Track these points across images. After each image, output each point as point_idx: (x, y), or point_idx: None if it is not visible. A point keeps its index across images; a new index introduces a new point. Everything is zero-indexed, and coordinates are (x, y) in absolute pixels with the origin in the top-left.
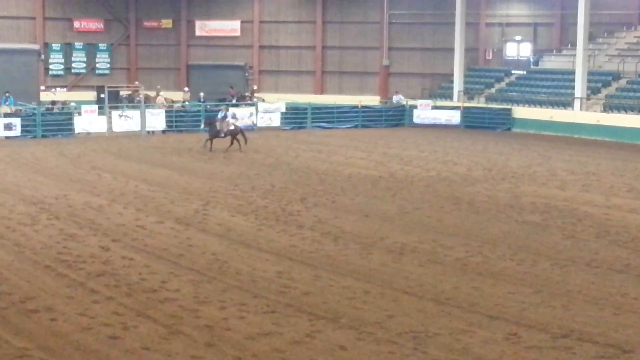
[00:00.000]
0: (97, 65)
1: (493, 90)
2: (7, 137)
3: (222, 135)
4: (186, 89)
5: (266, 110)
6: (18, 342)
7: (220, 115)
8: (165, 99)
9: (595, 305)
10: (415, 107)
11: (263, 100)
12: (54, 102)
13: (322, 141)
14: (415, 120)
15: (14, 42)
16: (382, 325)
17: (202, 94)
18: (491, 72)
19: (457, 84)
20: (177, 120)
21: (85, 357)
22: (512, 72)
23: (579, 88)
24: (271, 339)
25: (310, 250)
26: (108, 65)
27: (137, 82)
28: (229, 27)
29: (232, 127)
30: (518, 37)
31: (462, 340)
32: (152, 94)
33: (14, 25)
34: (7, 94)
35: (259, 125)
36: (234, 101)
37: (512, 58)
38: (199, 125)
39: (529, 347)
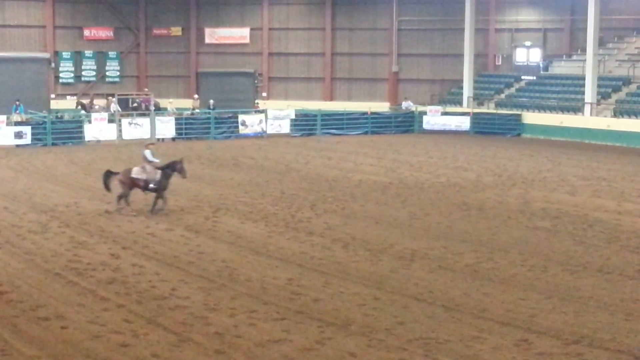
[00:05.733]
0: (107, 73)
1: (503, 96)
2: (17, 145)
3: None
4: (196, 96)
5: (276, 117)
6: (29, 350)
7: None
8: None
9: (606, 311)
10: (424, 113)
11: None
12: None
13: (332, 148)
14: (425, 126)
15: (24, 50)
16: (393, 331)
17: (211, 101)
18: (501, 77)
19: (467, 90)
20: (186, 127)
21: None
22: (522, 77)
23: (589, 93)
24: (281, 346)
25: (320, 257)
26: (118, 73)
27: (146, 89)
28: (239, 34)
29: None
30: (528, 43)
31: (473, 347)
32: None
33: (25, 34)
34: (17, 102)
35: (268, 132)
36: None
37: (521, 63)
38: (209, 133)
39: (539, 353)
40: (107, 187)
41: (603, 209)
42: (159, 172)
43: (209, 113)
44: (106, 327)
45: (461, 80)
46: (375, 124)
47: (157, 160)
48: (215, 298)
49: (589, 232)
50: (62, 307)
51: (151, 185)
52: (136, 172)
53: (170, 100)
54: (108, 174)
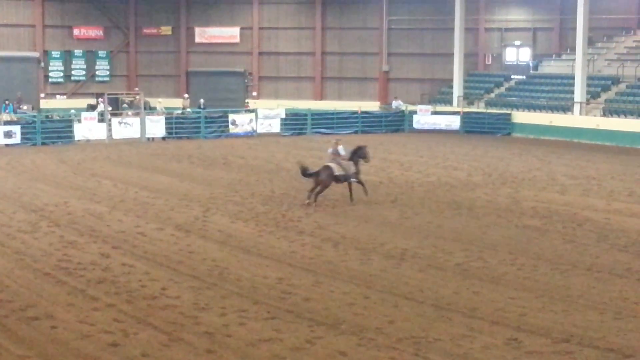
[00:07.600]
0: (97, 73)
1: (493, 95)
2: (7, 145)
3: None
4: (186, 95)
5: (266, 117)
6: (18, 350)
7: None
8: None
9: (596, 309)
10: (415, 112)
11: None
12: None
13: (322, 147)
14: (415, 125)
15: (13, 49)
16: (383, 330)
17: (202, 101)
18: (491, 77)
19: (457, 89)
20: (176, 127)
21: None
22: (512, 77)
23: (579, 93)
24: (272, 346)
25: (310, 256)
26: (108, 73)
27: (137, 89)
28: (229, 33)
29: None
30: (517, 42)
31: (463, 346)
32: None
33: (14, 33)
34: (6, 102)
35: (258, 131)
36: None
37: (511, 63)
38: (199, 132)
39: (529, 352)
40: (306, 174)
41: (592, 208)
42: (351, 163)
43: (199, 112)
44: (96, 326)
45: (451, 80)
46: (366, 123)
47: (344, 154)
48: (206, 297)
49: (578, 231)
50: (51, 306)
51: (352, 180)
52: (337, 170)
53: (160, 99)
54: (307, 172)
